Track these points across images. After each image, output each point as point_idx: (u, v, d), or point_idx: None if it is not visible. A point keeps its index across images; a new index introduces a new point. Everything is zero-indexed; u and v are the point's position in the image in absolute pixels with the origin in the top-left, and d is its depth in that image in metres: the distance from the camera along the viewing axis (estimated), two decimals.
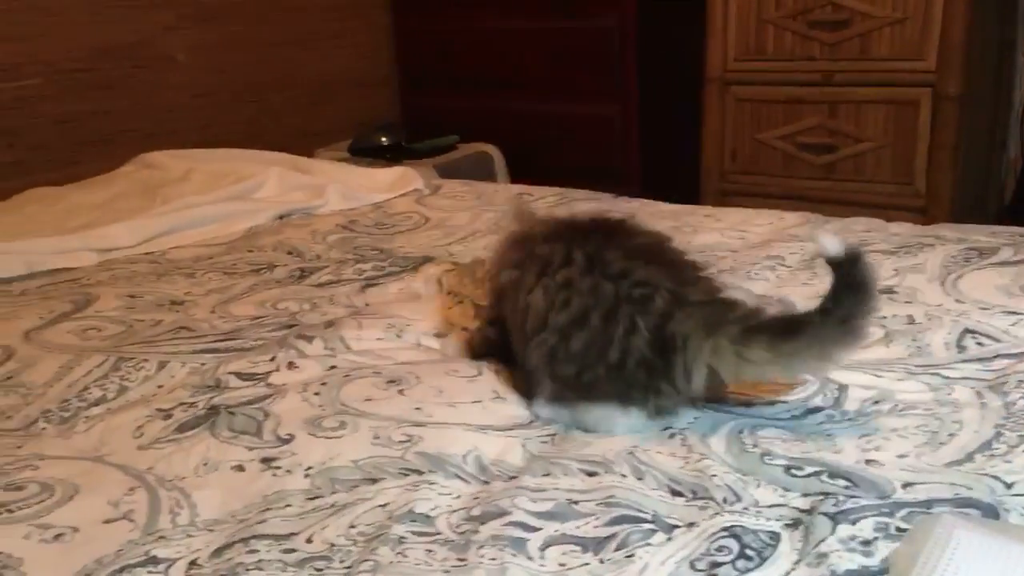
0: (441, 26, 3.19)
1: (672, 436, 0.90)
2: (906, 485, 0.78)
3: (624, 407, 0.91)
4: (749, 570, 0.70)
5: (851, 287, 0.84)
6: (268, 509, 0.81)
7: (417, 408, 0.96)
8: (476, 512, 0.79)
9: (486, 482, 0.85)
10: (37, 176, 2.26)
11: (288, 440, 0.92)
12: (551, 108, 3.01)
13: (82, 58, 2.49)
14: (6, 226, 1.78)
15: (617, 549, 0.73)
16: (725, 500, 0.79)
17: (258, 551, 0.75)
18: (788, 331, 0.85)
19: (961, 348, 1.04)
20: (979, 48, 2.29)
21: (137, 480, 0.87)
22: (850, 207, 2.02)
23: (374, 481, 0.84)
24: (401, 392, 1.00)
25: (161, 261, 1.59)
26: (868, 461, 0.83)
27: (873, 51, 2.33)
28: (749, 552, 0.72)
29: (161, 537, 0.78)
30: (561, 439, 0.92)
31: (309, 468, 0.87)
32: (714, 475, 0.82)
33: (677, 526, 0.76)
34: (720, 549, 0.72)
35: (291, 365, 1.08)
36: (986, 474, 0.79)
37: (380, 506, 0.80)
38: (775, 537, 0.74)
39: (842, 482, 0.80)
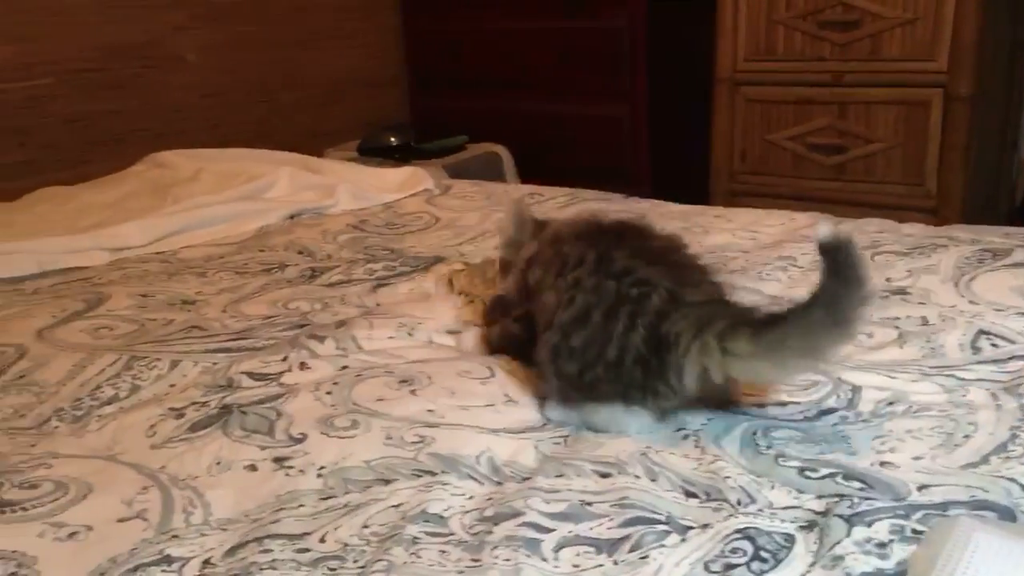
0: (450, 26, 3.19)
1: (686, 437, 0.90)
2: (921, 487, 0.78)
3: (627, 407, 0.91)
4: (764, 572, 0.70)
5: (838, 276, 0.80)
6: (281, 509, 0.81)
7: (429, 410, 0.96)
8: (489, 513, 0.79)
9: (499, 483, 0.84)
10: (48, 175, 2.27)
11: (300, 440, 0.92)
12: (560, 108, 3.01)
13: (92, 58, 2.50)
14: (18, 225, 1.78)
15: (631, 551, 0.73)
16: (739, 502, 0.79)
17: (272, 551, 0.75)
18: (770, 322, 0.84)
19: (976, 349, 1.04)
20: (990, 48, 2.28)
21: (150, 479, 0.87)
22: (860, 208, 2.01)
23: (387, 482, 0.84)
24: (413, 392, 1.00)
25: (172, 260, 1.60)
26: (883, 463, 0.83)
27: (884, 52, 2.33)
28: (764, 554, 0.72)
29: (175, 536, 0.79)
30: (574, 440, 0.91)
31: (322, 468, 0.87)
32: (728, 477, 0.82)
33: (691, 527, 0.75)
34: (734, 551, 0.72)
35: (303, 366, 1.08)
36: (1002, 476, 0.79)
37: (393, 506, 0.80)
38: (790, 539, 0.73)
39: (857, 484, 0.79)
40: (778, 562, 0.71)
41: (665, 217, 1.59)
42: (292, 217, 1.84)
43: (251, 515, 0.81)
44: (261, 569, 0.73)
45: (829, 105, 2.43)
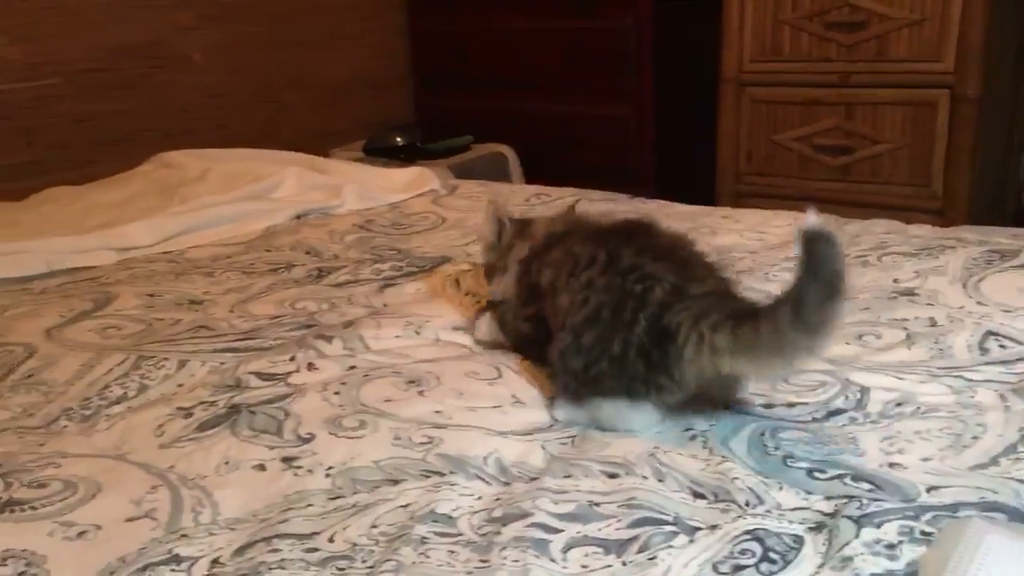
0: (456, 27, 3.19)
1: (693, 438, 0.90)
2: (930, 489, 0.78)
3: (632, 401, 0.91)
4: (773, 573, 0.70)
5: (813, 274, 0.78)
6: (290, 508, 0.81)
7: (437, 411, 0.96)
8: (498, 513, 0.79)
9: (507, 484, 0.85)
10: (55, 175, 2.28)
11: (309, 439, 0.92)
12: (566, 109, 3.01)
13: (100, 58, 2.50)
14: (25, 225, 1.79)
15: (639, 551, 0.73)
16: (747, 503, 0.79)
17: (280, 550, 0.75)
18: (749, 316, 0.83)
19: (984, 351, 1.04)
20: (997, 49, 2.28)
21: (159, 478, 0.88)
22: (866, 209, 2.00)
23: (395, 482, 0.84)
24: (421, 393, 1.00)
25: (179, 260, 1.60)
26: (891, 464, 0.83)
27: (890, 52, 2.32)
28: (772, 555, 0.72)
29: (183, 536, 0.79)
30: (581, 441, 0.91)
31: (330, 468, 0.87)
32: (736, 478, 0.82)
33: (699, 528, 0.75)
34: (743, 552, 0.72)
35: (311, 366, 1.09)
36: (1011, 478, 0.79)
37: (402, 507, 0.81)
38: (798, 540, 0.73)
39: (866, 485, 0.79)
40: (787, 563, 0.71)
41: (672, 218, 1.59)
42: (299, 217, 1.84)
43: (259, 515, 0.81)
44: (270, 568, 0.73)
45: (835, 106, 2.43)
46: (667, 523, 0.76)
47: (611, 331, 0.90)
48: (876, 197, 2.37)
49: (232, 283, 1.45)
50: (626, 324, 0.90)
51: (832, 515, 0.76)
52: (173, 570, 0.74)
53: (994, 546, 0.58)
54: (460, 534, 0.77)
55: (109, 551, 0.77)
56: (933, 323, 1.11)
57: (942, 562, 0.59)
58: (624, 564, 0.72)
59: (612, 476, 0.83)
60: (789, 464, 0.84)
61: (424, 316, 1.22)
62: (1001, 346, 1.04)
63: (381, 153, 2.87)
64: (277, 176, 2.00)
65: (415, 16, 3.28)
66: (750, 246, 1.47)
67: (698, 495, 0.80)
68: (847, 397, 0.96)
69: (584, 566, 0.72)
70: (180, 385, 1.08)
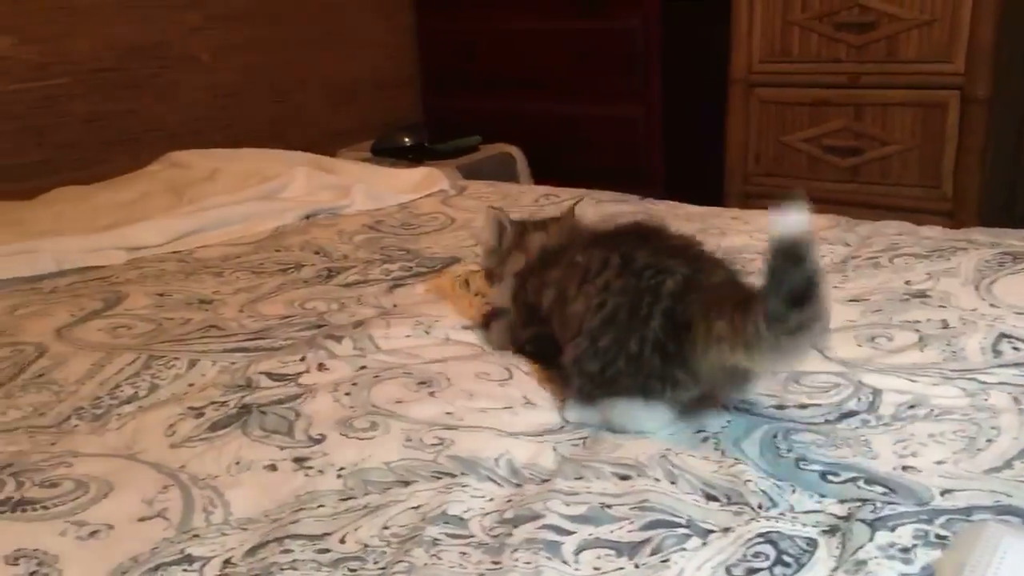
0: (464, 27, 3.19)
1: (705, 440, 0.90)
2: (944, 492, 0.78)
3: (646, 400, 0.91)
4: None
5: (775, 288, 0.76)
6: (301, 509, 0.81)
7: (448, 412, 0.96)
8: (509, 515, 0.79)
9: (518, 485, 0.84)
10: (64, 175, 2.28)
11: (320, 440, 0.92)
12: (574, 109, 3.00)
13: (108, 58, 2.51)
14: (35, 224, 1.79)
15: (652, 554, 0.73)
16: (760, 506, 0.78)
17: (292, 551, 0.75)
18: (744, 308, 0.81)
19: (997, 353, 1.03)
20: (1008, 50, 2.27)
21: (170, 478, 0.88)
22: (875, 210, 2.00)
23: (407, 483, 0.84)
24: (432, 395, 1.00)
25: (189, 260, 1.60)
26: (905, 467, 0.82)
27: (900, 53, 2.31)
28: (786, 558, 0.71)
29: (195, 536, 0.79)
30: (592, 442, 0.91)
31: (341, 469, 0.87)
32: (748, 480, 0.82)
33: (712, 531, 0.75)
34: (757, 555, 0.72)
35: (321, 367, 1.08)
36: None
37: (413, 508, 0.80)
38: (812, 543, 0.73)
39: (879, 488, 0.79)
40: (801, 566, 0.70)
41: (682, 218, 1.59)
42: (308, 217, 1.85)
43: (271, 515, 0.81)
44: (282, 569, 0.73)
45: (845, 107, 2.42)
46: (680, 525, 0.76)
47: (628, 331, 0.90)
48: (885, 199, 2.37)
49: (242, 283, 1.45)
50: (642, 320, 0.89)
51: (846, 518, 0.75)
52: (185, 570, 0.74)
53: (1012, 550, 0.57)
54: (472, 535, 0.77)
55: (121, 551, 0.77)
56: (945, 325, 1.11)
57: (959, 566, 0.59)
58: (637, 567, 0.72)
59: (624, 478, 0.83)
60: (802, 466, 0.83)
61: (434, 316, 1.22)
62: (1015, 348, 1.04)
63: (389, 153, 2.87)
64: (286, 176, 2.00)
65: (423, 16, 3.28)
66: (760, 247, 1.47)
67: (711, 497, 0.80)
68: (859, 399, 0.95)
69: (596, 568, 0.72)
70: (191, 385, 1.08)
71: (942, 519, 0.73)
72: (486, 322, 1.19)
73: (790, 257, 0.75)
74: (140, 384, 1.09)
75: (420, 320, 1.21)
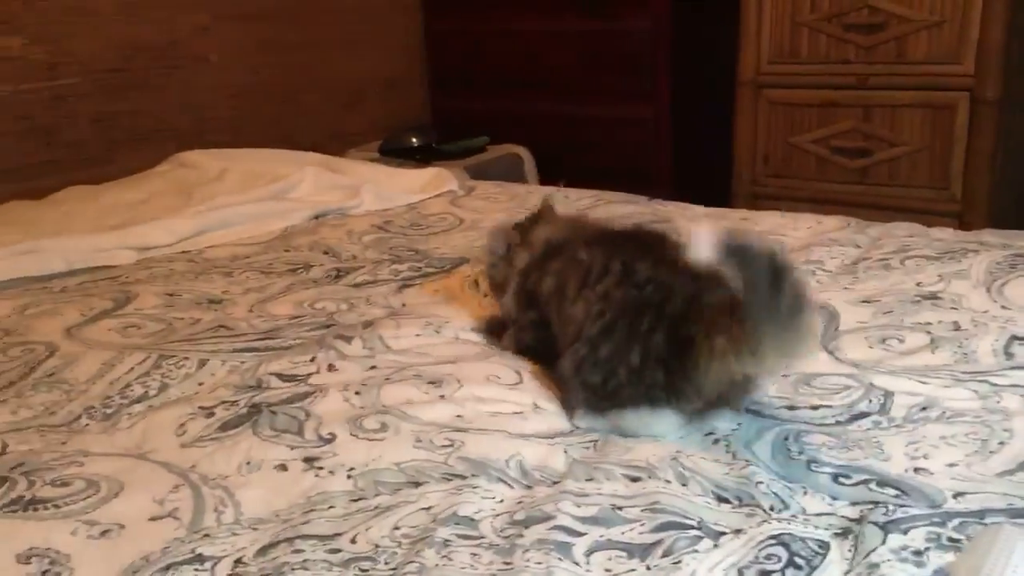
0: (472, 28, 3.19)
1: (716, 442, 0.89)
2: (957, 495, 0.77)
3: (653, 409, 0.90)
4: None
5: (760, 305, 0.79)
6: (312, 510, 0.81)
7: (458, 415, 0.96)
8: (520, 516, 0.79)
9: (529, 487, 0.84)
10: (73, 174, 2.28)
11: (330, 440, 0.92)
12: (583, 110, 3.00)
13: (117, 58, 2.51)
14: (44, 224, 1.80)
15: (664, 556, 0.73)
16: (772, 508, 0.78)
17: (303, 551, 0.75)
18: (743, 318, 0.83)
19: (1009, 355, 1.03)
20: (1018, 52, 2.26)
21: (181, 478, 0.88)
22: (884, 212, 2.00)
23: (417, 484, 0.84)
24: (442, 397, 1.00)
25: (198, 260, 1.60)
26: (917, 469, 0.82)
27: (909, 54, 2.31)
28: (798, 560, 0.71)
29: (206, 535, 0.79)
30: (603, 444, 0.91)
31: (351, 469, 0.87)
32: (760, 482, 0.82)
33: (724, 533, 0.75)
34: (769, 557, 0.72)
35: (331, 367, 1.08)
36: None
37: (424, 509, 0.80)
38: (824, 546, 0.73)
39: (891, 491, 0.79)
40: (812, 569, 0.70)
41: (691, 220, 1.59)
42: (317, 217, 1.85)
43: (282, 515, 0.81)
44: (293, 569, 0.73)
45: (854, 108, 2.41)
46: (691, 527, 0.76)
47: (628, 342, 0.90)
48: (894, 200, 2.36)
49: (251, 283, 1.45)
50: (643, 334, 0.89)
51: (858, 521, 0.75)
52: (196, 570, 0.74)
53: None
54: (482, 537, 0.77)
55: (132, 550, 0.77)
56: (957, 327, 1.10)
57: (974, 569, 0.59)
58: (648, 568, 0.71)
59: (634, 480, 0.83)
60: (813, 469, 0.83)
61: (443, 317, 1.22)
62: None
63: (397, 154, 2.87)
64: (295, 176, 2.01)
65: (431, 17, 3.28)
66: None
67: (722, 499, 0.80)
68: (871, 401, 0.95)
69: (608, 570, 0.72)
70: (201, 384, 1.08)
71: (955, 522, 0.73)
72: (490, 328, 1.18)
73: (745, 259, 0.79)
74: (150, 384, 1.09)
75: (429, 321, 1.21)
